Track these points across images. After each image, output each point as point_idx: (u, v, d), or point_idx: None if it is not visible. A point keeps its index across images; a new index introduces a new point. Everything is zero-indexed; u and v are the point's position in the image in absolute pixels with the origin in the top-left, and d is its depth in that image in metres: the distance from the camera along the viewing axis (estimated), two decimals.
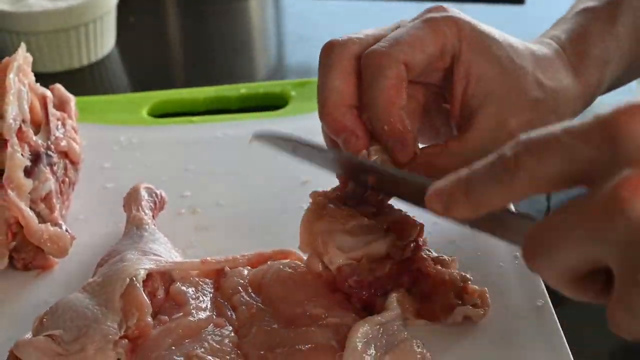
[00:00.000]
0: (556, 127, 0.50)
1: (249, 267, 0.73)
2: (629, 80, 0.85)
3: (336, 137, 0.72)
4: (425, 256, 0.70)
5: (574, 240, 0.48)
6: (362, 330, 0.64)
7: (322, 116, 0.72)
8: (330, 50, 0.73)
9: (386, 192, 0.71)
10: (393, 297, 0.68)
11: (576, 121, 0.50)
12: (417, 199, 0.60)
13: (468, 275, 0.70)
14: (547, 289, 0.72)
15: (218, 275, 0.72)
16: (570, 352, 0.66)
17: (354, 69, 0.72)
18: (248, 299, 0.70)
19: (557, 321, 0.69)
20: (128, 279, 0.66)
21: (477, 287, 0.70)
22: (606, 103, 0.63)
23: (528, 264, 0.51)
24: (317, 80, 0.73)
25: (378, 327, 0.65)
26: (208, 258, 0.73)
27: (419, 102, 0.76)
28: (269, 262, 0.73)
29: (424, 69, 0.72)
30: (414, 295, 0.70)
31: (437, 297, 0.69)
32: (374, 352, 0.63)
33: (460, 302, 0.69)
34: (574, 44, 0.77)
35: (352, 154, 0.71)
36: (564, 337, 0.67)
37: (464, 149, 0.72)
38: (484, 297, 0.69)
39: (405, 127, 0.70)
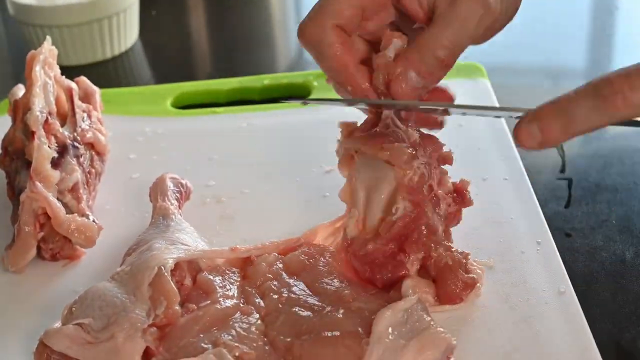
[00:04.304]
0: None
1: (276, 254, 0.74)
2: None
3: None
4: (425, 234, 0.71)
5: None
6: (387, 318, 0.65)
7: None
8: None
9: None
10: (407, 283, 0.69)
11: None
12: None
13: (466, 252, 0.72)
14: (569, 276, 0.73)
15: (245, 264, 0.73)
16: (592, 338, 0.66)
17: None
18: (279, 285, 0.71)
19: (580, 307, 0.69)
20: (156, 268, 0.67)
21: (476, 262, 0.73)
22: None
23: None
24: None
25: (402, 313, 0.65)
26: (237, 246, 0.74)
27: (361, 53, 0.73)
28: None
29: (360, 20, 0.70)
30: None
31: (446, 282, 0.70)
32: (399, 338, 0.64)
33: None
34: None
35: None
36: (587, 323, 0.68)
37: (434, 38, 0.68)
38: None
39: (364, 83, 0.70)
